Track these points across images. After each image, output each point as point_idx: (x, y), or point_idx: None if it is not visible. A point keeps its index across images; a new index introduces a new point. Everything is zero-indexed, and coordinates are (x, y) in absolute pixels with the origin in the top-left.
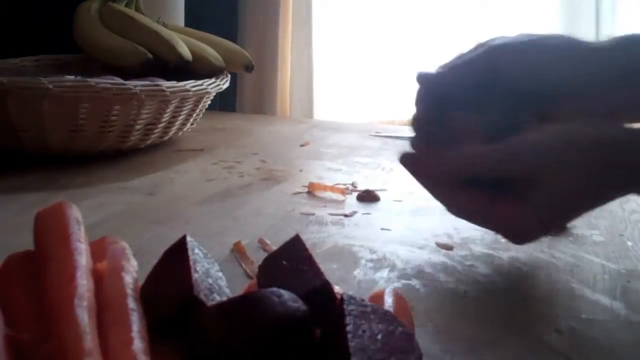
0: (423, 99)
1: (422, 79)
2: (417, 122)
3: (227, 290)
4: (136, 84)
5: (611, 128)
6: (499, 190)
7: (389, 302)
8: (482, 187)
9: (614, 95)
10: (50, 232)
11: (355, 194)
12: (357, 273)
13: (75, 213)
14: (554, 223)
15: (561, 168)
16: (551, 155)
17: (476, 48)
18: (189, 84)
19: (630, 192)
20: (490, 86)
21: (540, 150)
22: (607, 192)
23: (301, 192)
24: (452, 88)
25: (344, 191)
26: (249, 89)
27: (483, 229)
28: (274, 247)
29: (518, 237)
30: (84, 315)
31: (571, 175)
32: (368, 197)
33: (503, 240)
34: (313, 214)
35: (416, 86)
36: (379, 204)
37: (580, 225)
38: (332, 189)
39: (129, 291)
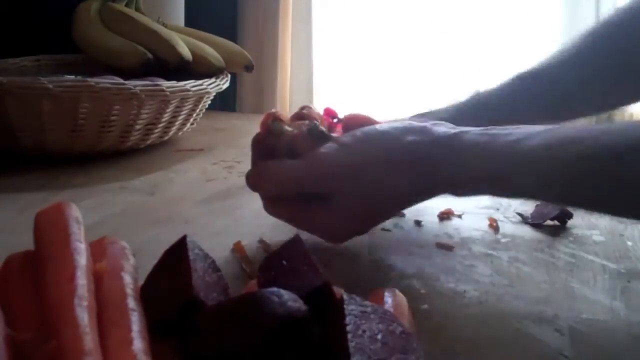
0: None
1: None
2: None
3: (227, 290)
4: (136, 84)
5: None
6: (312, 198)
7: (389, 302)
8: (299, 196)
9: None
10: (50, 232)
11: None
12: (357, 273)
13: (75, 213)
14: (362, 225)
15: (357, 180)
16: (343, 169)
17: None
18: (189, 84)
19: (438, 194)
20: None
21: (331, 165)
22: (412, 196)
23: None
24: None
25: None
26: (249, 89)
27: (483, 229)
28: (274, 247)
29: (331, 238)
30: (84, 315)
31: (369, 185)
32: None
33: (503, 240)
34: None
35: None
36: None
37: (580, 225)
38: None
39: (129, 291)
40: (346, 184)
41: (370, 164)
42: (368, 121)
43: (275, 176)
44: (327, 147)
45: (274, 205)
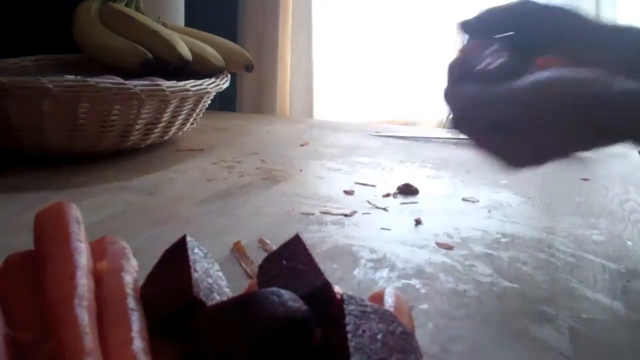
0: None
1: (464, 25)
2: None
3: (227, 290)
4: (136, 84)
5: (598, 84)
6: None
7: (389, 302)
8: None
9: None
10: (50, 231)
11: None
12: (357, 273)
13: (75, 213)
14: (540, 156)
15: (536, 113)
16: (526, 101)
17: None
18: (189, 83)
19: (612, 143)
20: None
21: (518, 96)
22: (587, 141)
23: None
24: (487, 30)
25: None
26: (249, 89)
27: (483, 229)
28: (274, 247)
29: (509, 163)
30: (84, 315)
31: (545, 121)
32: (407, 190)
33: (503, 240)
34: (313, 214)
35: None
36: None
37: (580, 225)
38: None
39: (129, 291)
40: (530, 117)
41: (556, 102)
42: (563, 64)
43: (468, 97)
44: (521, 80)
45: (462, 126)
